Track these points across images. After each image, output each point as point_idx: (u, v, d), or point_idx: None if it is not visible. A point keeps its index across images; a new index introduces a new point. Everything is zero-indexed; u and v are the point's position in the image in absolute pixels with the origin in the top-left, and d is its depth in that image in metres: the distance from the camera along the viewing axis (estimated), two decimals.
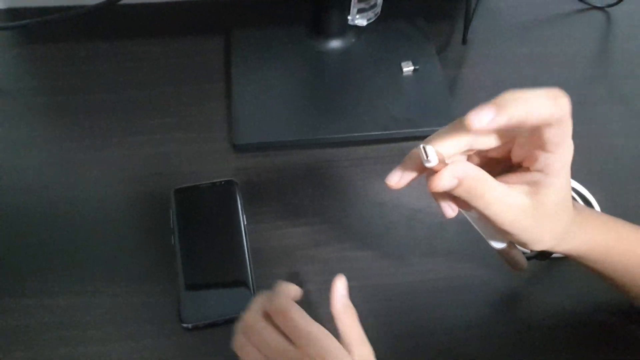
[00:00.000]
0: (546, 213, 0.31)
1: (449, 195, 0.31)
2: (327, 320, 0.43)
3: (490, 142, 0.31)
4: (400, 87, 0.56)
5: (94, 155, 0.53)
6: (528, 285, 0.45)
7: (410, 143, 0.54)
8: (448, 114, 0.54)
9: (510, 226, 0.31)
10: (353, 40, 0.60)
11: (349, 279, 0.45)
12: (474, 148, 0.30)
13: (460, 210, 0.34)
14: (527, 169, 0.31)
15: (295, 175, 0.52)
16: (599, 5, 0.66)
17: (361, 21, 0.59)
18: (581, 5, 0.67)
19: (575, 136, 0.54)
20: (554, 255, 0.43)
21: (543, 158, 0.29)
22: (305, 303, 0.44)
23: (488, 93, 0.56)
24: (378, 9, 0.59)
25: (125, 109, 0.56)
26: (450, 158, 0.30)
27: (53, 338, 0.42)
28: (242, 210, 0.48)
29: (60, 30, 0.62)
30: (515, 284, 0.46)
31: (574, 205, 0.34)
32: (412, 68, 0.57)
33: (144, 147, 0.53)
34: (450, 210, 0.33)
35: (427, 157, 0.27)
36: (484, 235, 0.36)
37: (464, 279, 0.46)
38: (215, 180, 0.49)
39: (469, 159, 0.33)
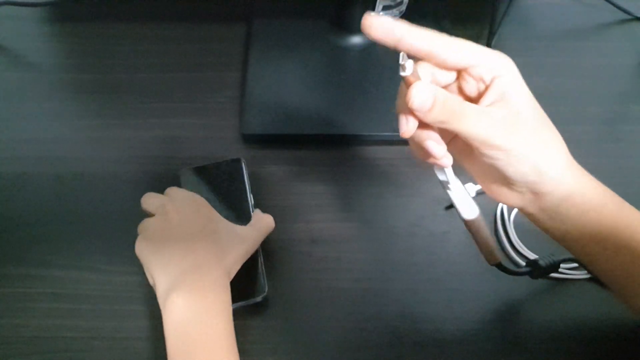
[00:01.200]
0: (522, 121, 0.30)
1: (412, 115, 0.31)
2: (320, 320, 0.43)
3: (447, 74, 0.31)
4: None
5: (107, 133, 0.54)
6: (526, 305, 0.43)
7: None
8: None
9: (489, 137, 0.29)
10: None
11: (342, 280, 0.45)
12: (436, 59, 0.30)
13: (437, 174, 0.33)
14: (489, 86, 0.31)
15: (299, 170, 0.51)
16: None
17: None
18: (623, 16, 0.63)
19: (600, 154, 0.52)
20: (551, 274, 0.41)
21: (494, 67, 0.30)
22: (297, 300, 0.44)
23: None
24: (403, 7, 0.58)
25: (143, 91, 0.57)
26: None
27: (45, 308, 0.43)
28: (249, 189, 0.47)
29: (90, 10, 0.63)
30: (512, 303, 0.44)
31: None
32: None
33: (156, 129, 0.54)
34: (406, 125, 0.31)
35: (403, 60, 0.28)
36: (459, 209, 0.34)
37: (460, 293, 0.44)
38: (221, 160, 0.49)
39: None
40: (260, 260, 0.44)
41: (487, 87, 0.31)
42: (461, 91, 0.33)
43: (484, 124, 0.29)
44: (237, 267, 0.41)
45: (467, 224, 0.34)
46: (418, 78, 0.29)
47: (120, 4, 0.64)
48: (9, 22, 0.63)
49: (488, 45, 0.56)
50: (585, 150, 0.52)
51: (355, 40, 0.58)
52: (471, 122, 0.29)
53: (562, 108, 0.56)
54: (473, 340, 0.42)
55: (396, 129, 0.51)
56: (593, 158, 0.52)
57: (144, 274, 0.45)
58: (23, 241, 0.47)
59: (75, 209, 0.49)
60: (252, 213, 0.46)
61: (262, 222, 0.44)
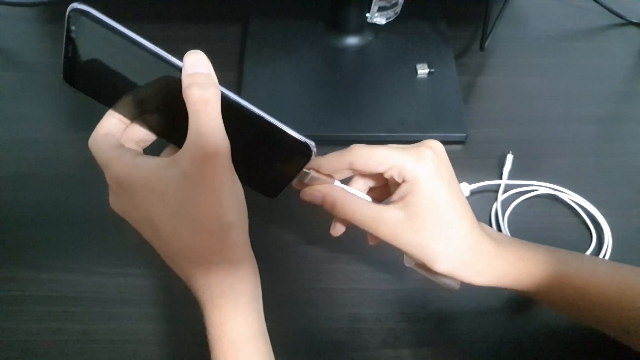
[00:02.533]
0: (425, 226, 0.32)
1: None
2: (316, 321, 0.43)
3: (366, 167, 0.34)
4: (413, 89, 0.55)
5: None
6: (520, 303, 0.43)
7: None
8: (459, 120, 0.52)
9: (394, 240, 0.33)
10: (370, 38, 0.59)
11: (337, 281, 0.45)
12: (354, 168, 0.34)
13: None
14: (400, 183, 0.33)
15: None
16: (635, 20, 0.63)
17: (380, 20, 0.57)
18: (616, 20, 0.64)
19: (593, 153, 0.53)
20: None
21: (401, 170, 0.32)
22: (293, 301, 0.43)
23: (502, 102, 0.56)
24: (398, 9, 0.58)
25: None
26: (340, 173, 0.34)
27: (38, 312, 0.43)
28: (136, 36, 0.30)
29: None
30: (509, 302, 0.43)
31: (494, 238, 0.35)
32: (427, 71, 0.55)
33: None
34: (335, 230, 0.36)
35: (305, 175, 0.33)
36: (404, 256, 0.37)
37: (456, 293, 0.44)
38: None
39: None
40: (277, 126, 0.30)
41: (398, 186, 0.34)
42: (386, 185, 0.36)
43: (377, 224, 0.33)
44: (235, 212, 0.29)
45: (410, 269, 0.38)
46: (322, 180, 0.34)
47: (115, 4, 0.64)
48: (3, 22, 0.62)
49: (481, 45, 0.56)
50: (578, 150, 0.53)
51: (351, 41, 0.58)
52: (364, 223, 0.33)
53: (556, 107, 0.56)
54: (469, 340, 0.42)
55: (391, 129, 0.52)
56: (586, 157, 0.53)
57: (138, 275, 0.45)
58: (16, 243, 0.46)
59: (69, 210, 0.48)
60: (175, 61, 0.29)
61: (198, 134, 0.27)
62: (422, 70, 0.55)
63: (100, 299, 0.44)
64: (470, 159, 0.52)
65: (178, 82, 0.28)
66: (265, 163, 0.32)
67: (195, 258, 0.29)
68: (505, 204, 0.49)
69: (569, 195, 0.49)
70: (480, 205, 0.49)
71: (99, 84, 0.31)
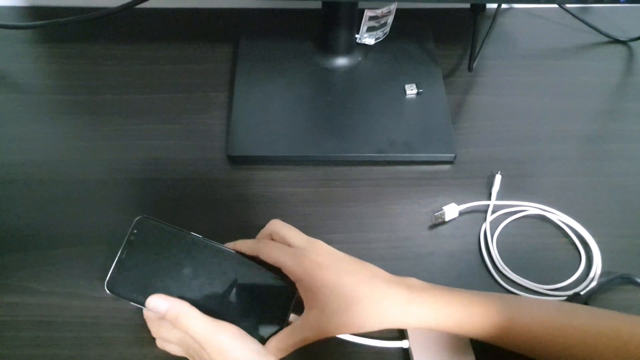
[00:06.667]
0: (334, 310, 0.36)
1: None
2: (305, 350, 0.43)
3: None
4: (401, 110, 0.55)
5: (93, 156, 0.53)
6: None
7: (405, 167, 0.53)
8: (447, 140, 0.53)
9: (325, 334, 0.37)
10: (359, 59, 0.59)
11: None
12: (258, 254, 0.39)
13: None
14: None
15: (286, 192, 0.51)
16: (622, 38, 0.64)
17: (369, 40, 0.58)
18: (602, 38, 0.64)
19: (581, 173, 0.53)
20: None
21: (287, 272, 0.38)
22: None
23: (491, 121, 0.57)
24: (387, 29, 0.58)
25: (130, 113, 0.57)
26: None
27: (27, 337, 0.42)
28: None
29: (77, 31, 0.64)
30: None
31: (409, 285, 0.38)
32: (415, 91, 0.56)
33: (142, 151, 0.54)
34: None
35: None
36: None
37: None
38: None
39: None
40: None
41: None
42: None
43: (305, 334, 0.37)
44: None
45: None
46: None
47: (107, 25, 0.64)
48: None
49: (469, 66, 0.57)
50: (566, 169, 0.54)
51: (341, 61, 0.59)
52: (294, 343, 0.38)
53: (544, 126, 0.57)
54: None
55: (380, 149, 0.52)
56: (574, 177, 0.53)
57: None
58: (3, 267, 0.46)
59: (59, 233, 0.48)
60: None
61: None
62: (411, 91, 0.56)
63: (90, 323, 0.43)
64: (459, 179, 0.52)
65: (231, 265, 0.39)
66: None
67: None
68: (494, 224, 0.49)
69: (557, 216, 0.49)
70: (469, 226, 0.49)
71: (151, 285, 0.38)
